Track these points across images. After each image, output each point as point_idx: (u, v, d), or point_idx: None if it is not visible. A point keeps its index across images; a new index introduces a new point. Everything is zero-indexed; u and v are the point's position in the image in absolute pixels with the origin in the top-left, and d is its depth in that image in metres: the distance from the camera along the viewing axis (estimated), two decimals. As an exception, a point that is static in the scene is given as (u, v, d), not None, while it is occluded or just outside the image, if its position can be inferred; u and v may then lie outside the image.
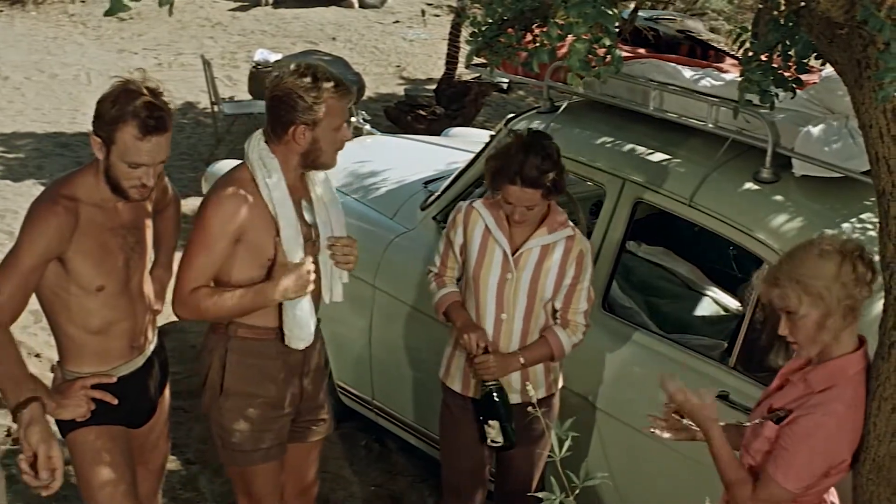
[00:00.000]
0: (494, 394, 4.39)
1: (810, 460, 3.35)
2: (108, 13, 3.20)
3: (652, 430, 3.80)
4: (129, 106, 3.66)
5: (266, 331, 4.15)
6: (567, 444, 2.89)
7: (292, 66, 4.01)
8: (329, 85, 3.93)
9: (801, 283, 3.30)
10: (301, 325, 4.12)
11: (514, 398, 4.50)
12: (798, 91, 4.27)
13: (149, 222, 4.08)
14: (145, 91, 3.71)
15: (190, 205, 9.53)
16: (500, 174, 4.27)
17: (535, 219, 4.39)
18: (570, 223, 4.50)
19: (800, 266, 3.33)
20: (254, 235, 3.98)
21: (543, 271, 4.43)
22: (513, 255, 4.42)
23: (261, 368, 4.19)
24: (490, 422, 4.42)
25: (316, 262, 4.14)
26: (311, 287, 4.03)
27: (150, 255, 4.15)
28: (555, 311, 4.52)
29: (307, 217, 4.14)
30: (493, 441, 4.45)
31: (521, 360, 4.43)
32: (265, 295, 3.99)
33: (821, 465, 3.37)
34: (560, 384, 4.66)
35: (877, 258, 3.44)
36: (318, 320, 4.33)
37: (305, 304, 4.12)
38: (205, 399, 4.28)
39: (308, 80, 3.92)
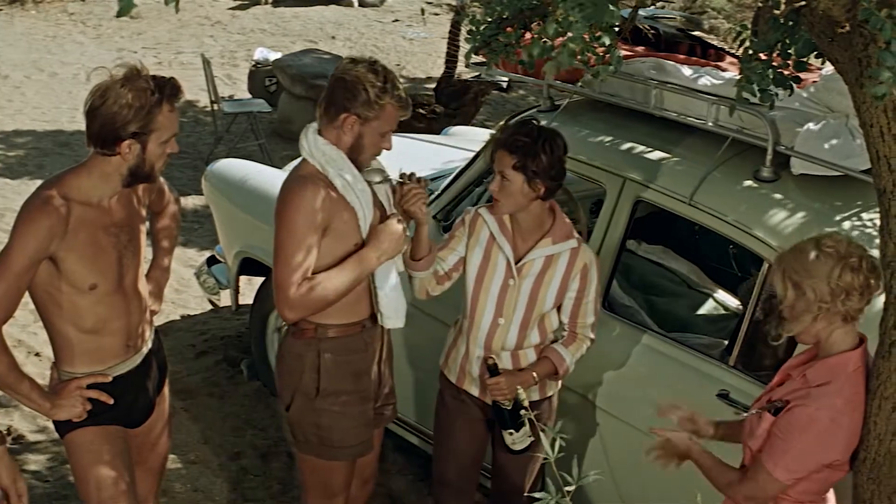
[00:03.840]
0: (509, 407, 4.36)
1: (802, 452, 3.37)
2: (119, 14, 3.21)
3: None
4: (156, 87, 3.74)
5: (353, 326, 4.25)
6: (558, 444, 2.90)
7: (368, 59, 4.13)
8: (394, 91, 4.05)
9: (791, 277, 3.36)
10: (391, 302, 4.25)
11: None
12: (798, 90, 4.27)
13: (142, 221, 4.09)
14: (139, 69, 3.79)
15: (190, 203, 9.56)
16: (495, 138, 4.35)
17: (509, 202, 4.32)
18: (576, 234, 4.48)
19: (795, 260, 3.38)
20: (338, 226, 4.07)
21: (545, 282, 4.42)
22: (516, 263, 4.41)
23: (353, 364, 4.28)
24: (510, 430, 4.40)
25: None
26: (406, 245, 4.18)
27: (146, 255, 4.14)
28: (561, 323, 4.52)
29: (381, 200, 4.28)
30: (513, 444, 4.43)
31: (535, 376, 4.41)
32: (366, 261, 4.10)
33: (812, 458, 3.38)
34: (558, 386, 4.65)
35: (876, 254, 3.45)
36: None
37: (392, 282, 4.24)
38: (295, 406, 4.31)
39: (379, 78, 4.03)
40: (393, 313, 4.27)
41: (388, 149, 4.17)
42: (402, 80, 13.92)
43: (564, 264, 4.41)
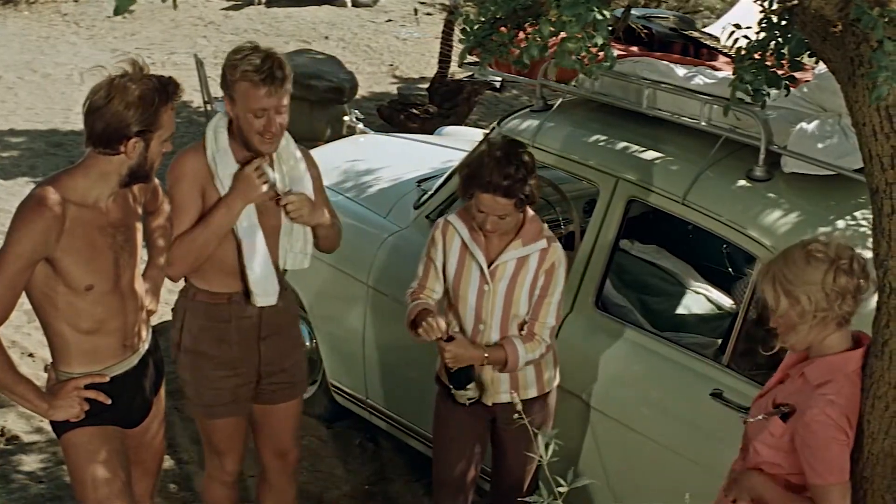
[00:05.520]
0: (462, 372, 4.43)
1: (840, 449, 3.35)
2: (116, 12, 3.21)
3: None
4: (160, 86, 3.81)
5: (221, 296, 4.40)
6: (552, 448, 2.90)
7: (252, 44, 4.20)
8: (247, 68, 4.09)
9: (783, 286, 3.33)
10: (260, 282, 4.36)
11: (505, 398, 4.51)
12: (791, 89, 4.27)
13: (138, 221, 4.10)
14: (142, 66, 3.86)
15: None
16: (473, 181, 4.27)
17: (509, 228, 4.38)
18: (547, 233, 4.49)
19: (785, 267, 3.35)
20: (209, 194, 4.27)
21: (518, 284, 4.42)
22: (489, 266, 4.41)
23: (214, 331, 4.44)
24: (460, 391, 4.48)
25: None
26: (264, 188, 4.23)
27: (142, 255, 4.15)
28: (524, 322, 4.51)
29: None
30: (469, 399, 4.50)
31: (486, 356, 4.41)
32: (225, 207, 4.24)
33: (844, 442, 3.37)
34: (555, 382, 4.65)
35: (868, 254, 3.46)
36: (285, 287, 4.57)
37: (260, 263, 4.36)
38: (171, 355, 4.57)
39: (237, 57, 4.13)
40: (262, 291, 4.38)
41: (270, 130, 4.18)
42: (395, 79, 13.93)
43: (535, 265, 4.42)
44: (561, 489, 2.82)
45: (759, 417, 3.51)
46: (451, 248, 4.49)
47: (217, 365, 4.45)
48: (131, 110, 3.71)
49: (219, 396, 4.49)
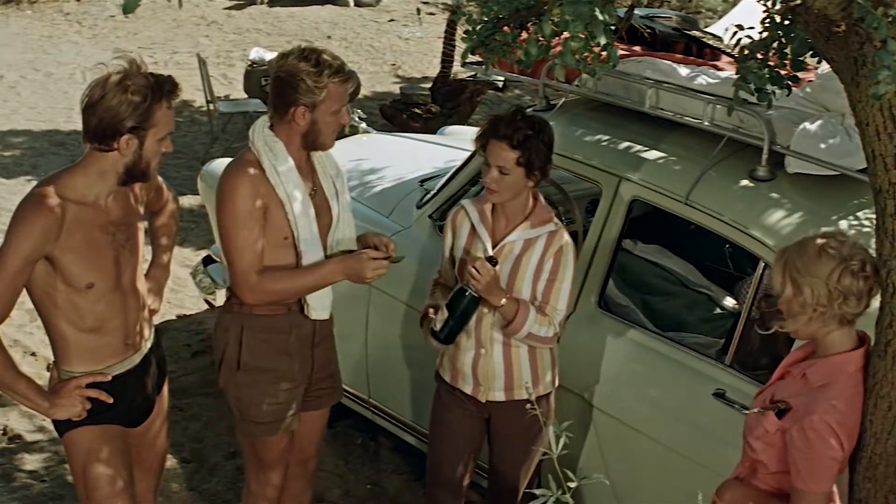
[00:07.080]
0: (466, 291, 4.32)
1: (830, 461, 3.34)
2: (125, 11, 3.22)
3: None
4: (155, 84, 3.81)
5: (278, 307, 4.34)
6: (562, 441, 2.89)
7: (298, 49, 4.21)
8: (331, 70, 4.13)
9: (791, 273, 3.34)
10: (318, 295, 4.38)
11: (499, 396, 4.50)
12: (794, 89, 4.27)
13: (139, 220, 4.10)
14: (139, 65, 3.87)
15: (186, 203, 9.55)
16: (487, 130, 4.36)
17: (511, 196, 4.36)
18: (556, 220, 4.48)
19: (797, 256, 3.35)
20: (271, 212, 4.20)
21: (522, 265, 4.40)
22: (493, 248, 4.41)
23: (275, 343, 4.37)
24: (445, 308, 4.40)
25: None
26: (372, 279, 4.31)
27: (143, 254, 4.15)
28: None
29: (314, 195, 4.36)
30: (431, 324, 4.46)
31: (503, 302, 4.34)
32: (329, 275, 4.30)
33: (837, 457, 3.36)
34: (554, 386, 4.63)
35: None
36: None
37: None
38: (221, 375, 4.46)
39: (311, 63, 4.12)
40: (318, 304, 4.42)
41: (346, 123, 4.31)
42: (397, 79, 13.96)
43: (541, 247, 4.41)
44: (571, 483, 2.81)
45: (756, 410, 3.51)
46: (460, 231, 4.52)
47: (277, 378, 4.39)
48: (123, 106, 3.73)
49: (280, 411, 4.43)
